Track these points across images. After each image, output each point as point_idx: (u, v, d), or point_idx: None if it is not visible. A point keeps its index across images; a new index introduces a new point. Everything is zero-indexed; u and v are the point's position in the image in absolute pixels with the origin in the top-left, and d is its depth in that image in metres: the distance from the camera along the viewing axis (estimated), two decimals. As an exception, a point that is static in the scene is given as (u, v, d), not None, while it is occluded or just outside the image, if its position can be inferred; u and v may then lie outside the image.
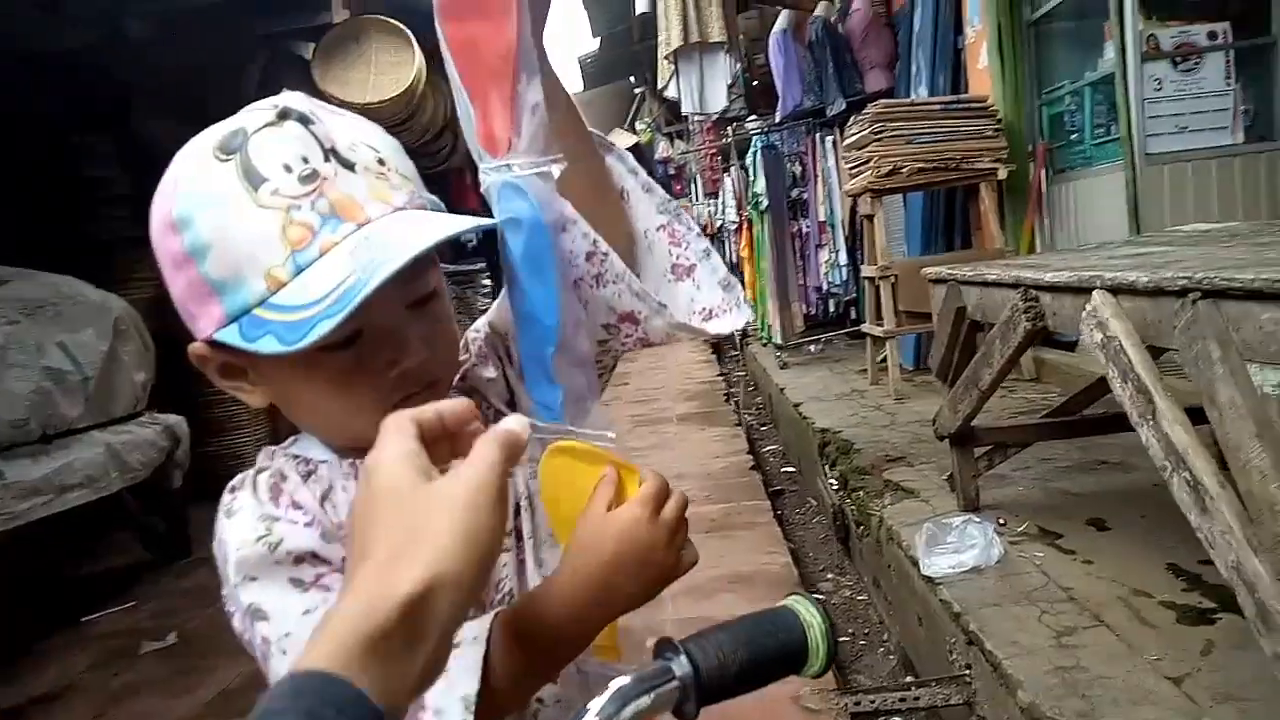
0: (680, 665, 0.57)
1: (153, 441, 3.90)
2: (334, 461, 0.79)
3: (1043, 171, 5.21)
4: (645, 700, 0.55)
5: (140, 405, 4.00)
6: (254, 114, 0.69)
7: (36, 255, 3.97)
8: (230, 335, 0.66)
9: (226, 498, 0.77)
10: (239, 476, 0.79)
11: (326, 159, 0.67)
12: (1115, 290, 1.93)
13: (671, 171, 14.05)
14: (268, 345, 0.64)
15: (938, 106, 5.29)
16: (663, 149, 14.03)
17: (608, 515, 0.66)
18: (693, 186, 12.63)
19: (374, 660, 0.44)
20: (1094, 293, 1.98)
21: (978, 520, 2.63)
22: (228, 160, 0.66)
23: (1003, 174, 5.10)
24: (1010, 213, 5.36)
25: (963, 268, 2.88)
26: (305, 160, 0.66)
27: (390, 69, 6.45)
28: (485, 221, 0.71)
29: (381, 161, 0.71)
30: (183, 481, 4.16)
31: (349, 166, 0.68)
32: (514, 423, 0.56)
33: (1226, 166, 4.32)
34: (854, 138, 5.45)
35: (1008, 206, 5.35)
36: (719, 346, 10.34)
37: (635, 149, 15.70)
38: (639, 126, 15.11)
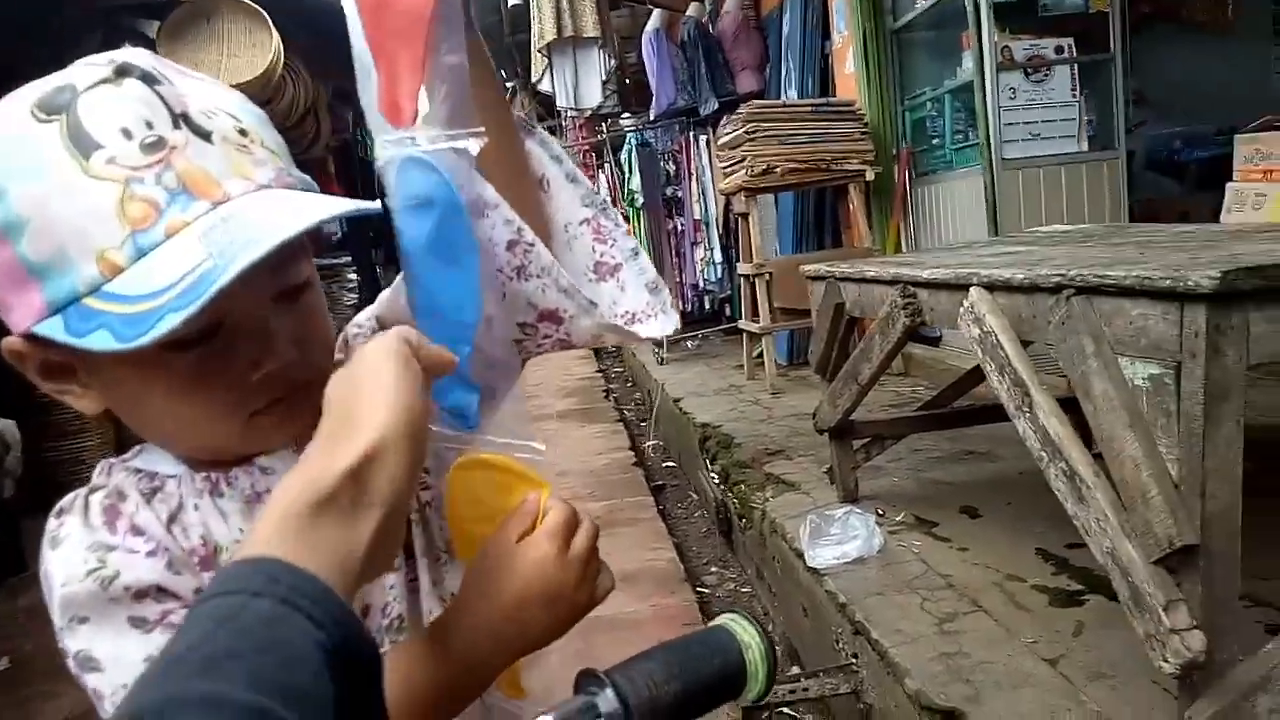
0: (606, 700, 0.51)
1: (-22, 448, 3.53)
2: (185, 475, 0.68)
3: (907, 174, 5.43)
4: None
5: (-38, 409, 3.61)
6: (85, 69, 0.58)
7: None
8: (53, 329, 0.55)
9: (52, 524, 0.65)
10: (68, 497, 0.68)
11: (176, 125, 0.57)
12: (991, 287, 2.00)
13: (544, 166, 13.93)
14: (100, 341, 0.53)
15: (808, 108, 5.42)
16: (535, 144, 13.87)
17: (516, 547, 0.60)
18: (566, 182, 12.56)
19: (322, 530, 0.45)
20: (971, 289, 2.04)
21: (859, 511, 2.69)
22: (50, 121, 0.55)
23: (870, 175, 5.28)
24: (877, 212, 5.55)
25: (841, 265, 2.93)
26: (149, 125, 0.56)
27: (245, 50, 6.08)
28: (368, 205, 0.61)
29: (243, 132, 0.61)
30: (15, 491, 3.79)
31: (203, 135, 0.58)
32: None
33: (1074, 172, 4.60)
34: (728, 137, 5.52)
35: (874, 206, 5.54)
36: (594, 343, 10.33)
37: (507, 143, 15.49)
38: (511, 120, 14.90)
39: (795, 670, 2.44)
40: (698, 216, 7.40)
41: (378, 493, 0.48)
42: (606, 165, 9.93)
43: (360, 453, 0.48)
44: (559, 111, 11.07)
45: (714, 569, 3.64)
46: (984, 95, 4.43)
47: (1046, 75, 4.64)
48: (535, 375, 7.84)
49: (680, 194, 7.67)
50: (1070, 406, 1.79)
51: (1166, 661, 1.43)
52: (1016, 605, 2.15)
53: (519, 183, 0.74)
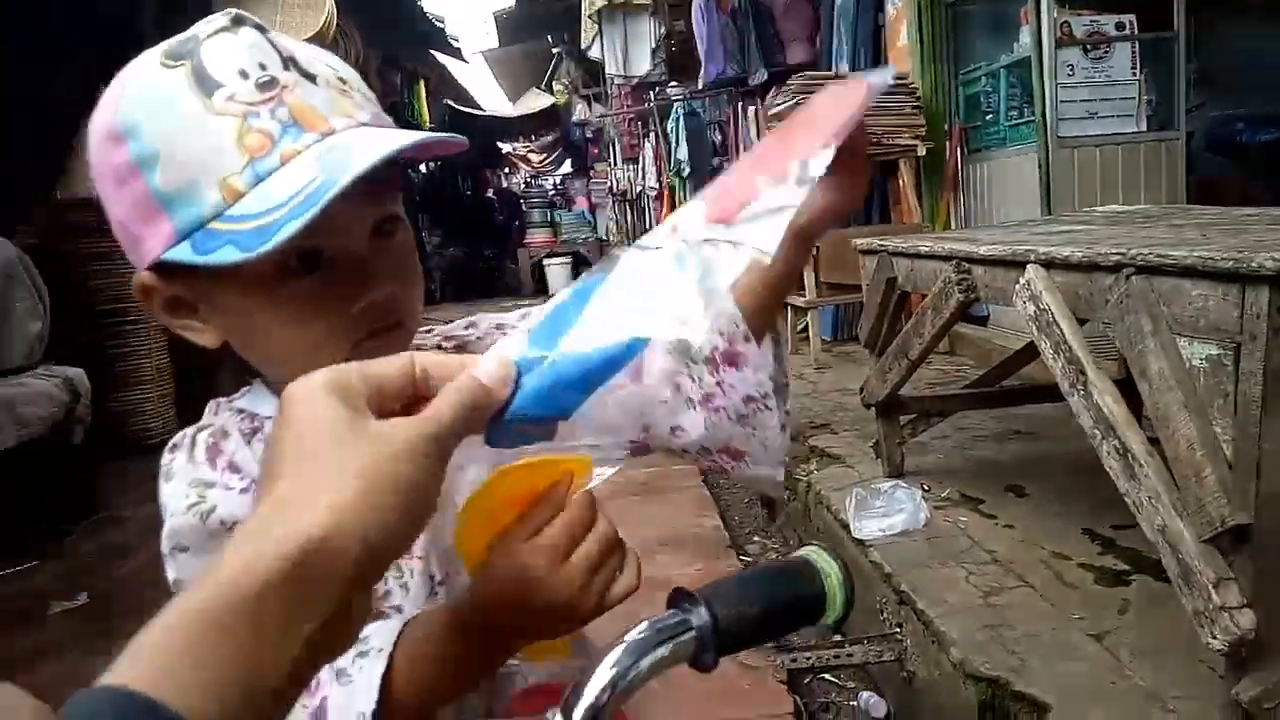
0: (699, 616, 0.56)
1: (51, 395, 3.67)
2: None
3: (959, 150, 5.37)
4: (663, 651, 0.54)
5: (35, 357, 3.76)
6: (206, 24, 0.64)
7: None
8: (182, 253, 0.61)
9: (165, 458, 0.72)
10: (180, 434, 0.74)
11: (285, 67, 0.63)
12: (1049, 264, 2.01)
13: (589, 135, 13.92)
14: (226, 255, 0.58)
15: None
16: (580, 111, 13.86)
17: (520, 547, 0.56)
18: (611, 151, 12.55)
19: (241, 631, 0.34)
20: (1028, 266, 2.05)
21: (905, 485, 2.72)
22: (177, 66, 0.61)
23: (921, 151, 5.23)
24: (927, 189, 5.51)
25: (894, 239, 2.94)
26: (263, 67, 0.62)
27: (298, 11, 6.17)
28: (457, 136, 0.67)
29: (342, 79, 0.67)
30: (85, 437, 3.95)
31: (310, 78, 0.64)
32: (493, 364, 0.47)
33: (1131, 152, 4.53)
34: (777, 109, 5.49)
35: (925, 183, 5.49)
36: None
37: (552, 110, 15.48)
38: (556, 88, 14.90)
39: (841, 638, 2.49)
40: (744, 189, 7.37)
41: (328, 587, 0.37)
42: (652, 134, 9.92)
43: (314, 528, 0.37)
44: (605, 78, 11.07)
45: (756, 539, 3.69)
46: (1041, 72, 4.37)
47: (1106, 52, 4.56)
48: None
49: (727, 165, 7.64)
50: (1123, 389, 1.81)
51: (1215, 638, 1.46)
52: (1063, 582, 2.17)
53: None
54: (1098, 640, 1.87)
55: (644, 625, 0.56)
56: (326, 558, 0.36)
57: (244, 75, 0.61)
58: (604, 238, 13.18)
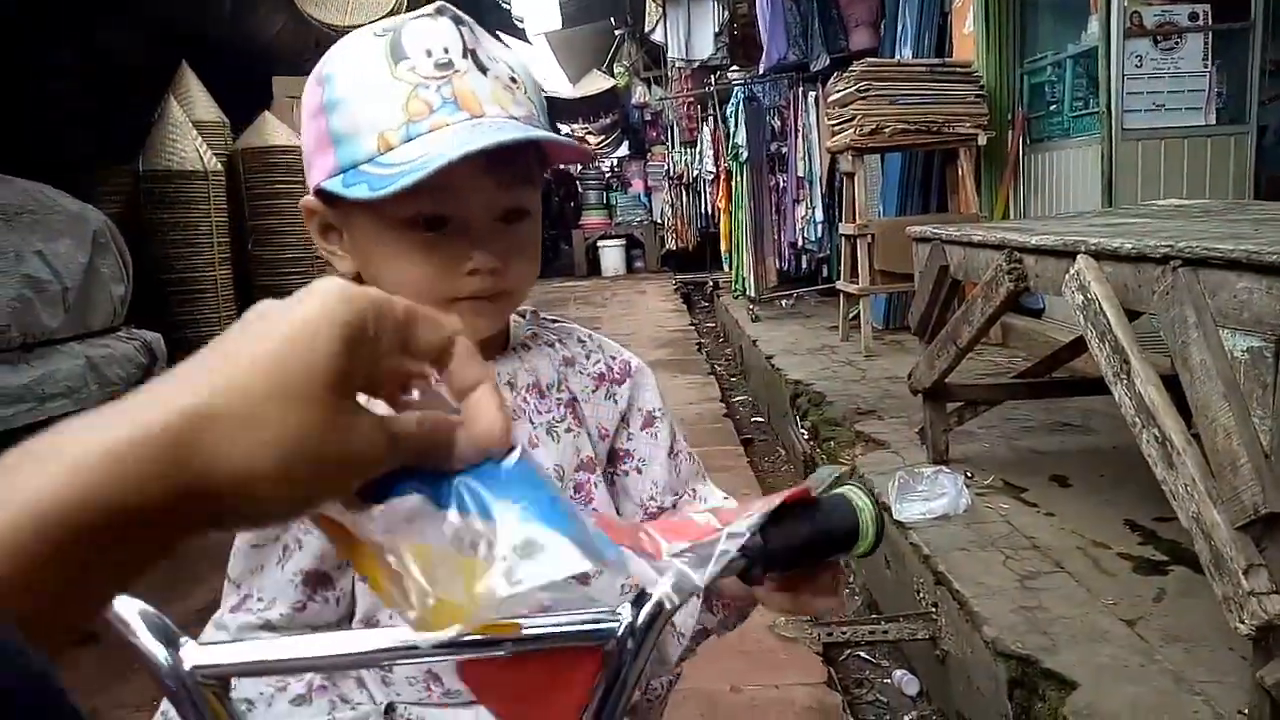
0: (751, 537, 0.64)
1: (131, 357, 3.87)
2: None
3: (1020, 140, 5.32)
4: (718, 565, 0.62)
5: (118, 320, 3.96)
6: (419, 11, 0.75)
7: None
8: (334, 184, 0.73)
9: None
10: None
11: (464, 56, 0.73)
12: (1099, 255, 2.03)
13: (648, 118, 13.94)
14: (359, 191, 0.71)
15: (924, 68, 5.34)
16: (640, 94, 13.89)
17: None
18: (669, 134, 12.57)
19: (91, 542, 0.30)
20: (1078, 257, 2.08)
21: (948, 471, 2.75)
22: (381, 37, 0.73)
23: (983, 140, 5.19)
24: (987, 179, 5.46)
25: (948, 228, 2.96)
26: (445, 51, 0.73)
27: (372, -14, 6.31)
28: (585, 148, 0.77)
29: (514, 80, 0.76)
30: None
31: (482, 69, 0.74)
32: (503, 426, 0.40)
33: (1198, 146, 4.45)
34: (839, 94, 5.49)
35: (984, 172, 5.45)
36: (689, 297, 10.41)
37: (611, 92, 15.52)
38: (617, 70, 14.93)
39: (878, 615, 2.55)
40: (801, 174, 7.37)
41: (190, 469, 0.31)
42: (711, 118, 9.93)
43: (164, 417, 0.31)
44: (666, 61, 11.09)
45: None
46: (1108, 62, 4.31)
47: (1177, 43, 4.47)
48: (628, 325, 8.01)
49: (784, 150, 7.64)
50: (1169, 384, 1.83)
51: (1243, 623, 1.49)
52: (1099, 569, 2.20)
53: None
54: (1129, 625, 1.91)
55: (705, 542, 0.63)
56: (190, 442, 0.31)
57: (428, 54, 0.72)
58: (658, 220, 13.23)
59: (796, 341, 5.84)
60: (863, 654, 2.58)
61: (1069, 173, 4.96)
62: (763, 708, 2.10)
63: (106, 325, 3.89)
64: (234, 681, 0.52)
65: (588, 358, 0.92)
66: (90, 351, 3.68)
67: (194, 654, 0.55)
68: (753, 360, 6.00)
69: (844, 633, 2.29)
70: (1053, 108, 5.18)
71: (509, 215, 0.78)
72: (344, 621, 0.82)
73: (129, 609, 0.57)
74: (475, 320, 0.79)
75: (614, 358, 0.94)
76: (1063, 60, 5.00)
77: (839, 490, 0.68)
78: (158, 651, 0.55)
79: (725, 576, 0.63)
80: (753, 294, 7.26)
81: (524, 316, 0.94)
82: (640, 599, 0.58)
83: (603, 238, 13.40)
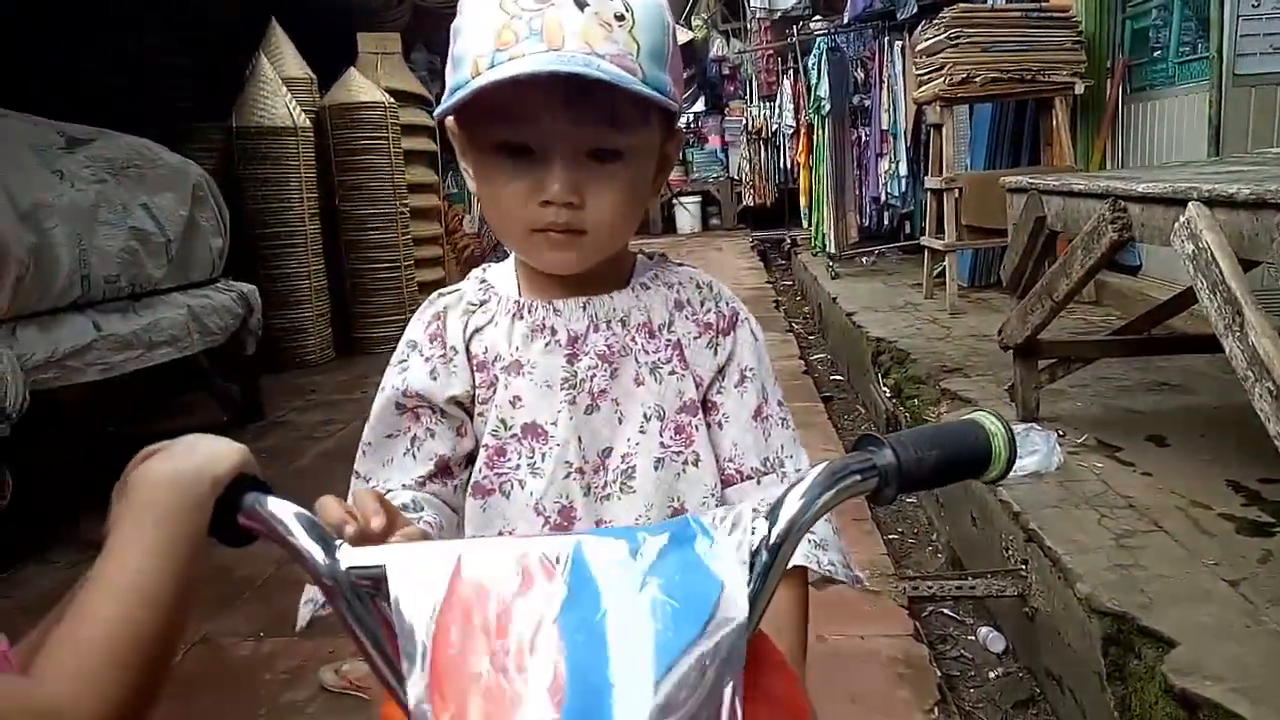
0: (883, 456, 0.64)
1: (229, 307, 4.03)
2: (507, 298, 0.89)
3: (1120, 89, 5.08)
4: (854, 479, 0.63)
5: (217, 272, 4.12)
6: None
7: (101, 123, 4.01)
8: (441, 102, 0.78)
9: (425, 302, 0.92)
10: (449, 287, 0.93)
11: None
12: (1212, 202, 1.94)
13: (726, 72, 13.73)
14: (438, 107, 0.78)
15: (1018, 14, 5.14)
16: (718, 47, 13.68)
17: None
18: (748, 88, 12.36)
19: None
20: (1189, 204, 1.99)
21: (1040, 428, 2.69)
22: None
23: (1079, 89, 4.98)
24: (1083, 130, 5.25)
25: (1045, 177, 2.86)
26: None
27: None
28: (666, 100, 0.76)
29: (620, 18, 0.75)
30: (255, 349, 4.32)
31: (580, 6, 0.74)
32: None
33: (1319, 92, 4.19)
34: (927, 43, 5.32)
35: (1080, 123, 5.23)
36: (766, 255, 10.30)
37: (689, 46, 15.31)
38: (695, 23, 14.71)
39: (965, 571, 2.52)
40: (885, 127, 7.19)
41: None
42: (791, 71, 9.73)
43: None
44: (746, 13, 10.88)
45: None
46: (1222, 3, 4.07)
47: (1298, -19, 4.19)
48: (708, 281, 7.97)
49: (868, 103, 7.45)
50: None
51: (1361, 584, 1.43)
52: (1200, 530, 2.13)
53: None
54: (1233, 585, 1.85)
55: (838, 460, 0.64)
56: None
57: None
58: (735, 177, 13.07)
59: (878, 299, 5.74)
60: (946, 610, 2.56)
61: (1172, 123, 4.72)
62: (846, 658, 2.11)
63: (206, 276, 4.05)
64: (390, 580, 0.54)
65: (701, 304, 0.93)
66: (192, 301, 3.84)
67: (350, 555, 0.58)
68: (832, 318, 5.92)
69: (929, 587, 2.28)
70: (1156, 54, 4.92)
71: (599, 154, 0.78)
72: (460, 503, 0.88)
73: (285, 511, 0.61)
74: (553, 254, 0.82)
75: (727, 305, 0.94)
76: (1170, 3, 4.74)
77: (971, 416, 0.68)
78: (315, 551, 0.58)
79: (857, 495, 0.64)
80: (832, 251, 7.15)
81: (651, 258, 0.97)
82: (774, 513, 0.59)
83: (678, 195, 13.32)
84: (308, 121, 5.71)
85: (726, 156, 13.57)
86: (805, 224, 8.71)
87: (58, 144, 3.42)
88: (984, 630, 2.41)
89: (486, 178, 0.81)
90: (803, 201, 8.65)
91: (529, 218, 0.79)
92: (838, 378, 5.28)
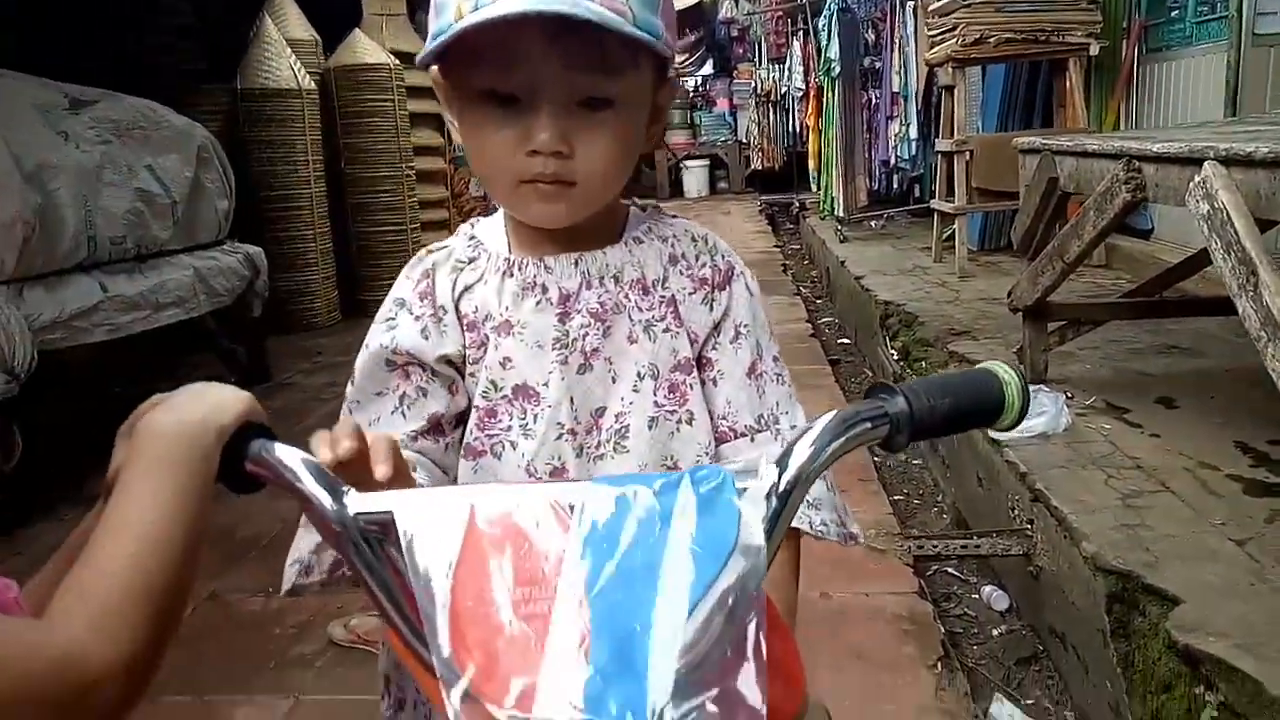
0: (895, 404, 0.63)
1: (235, 269, 4.03)
2: (496, 254, 0.87)
3: (1136, 49, 5.00)
4: (865, 426, 0.62)
5: (222, 233, 4.11)
6: None
7: (107, 84, 3.99)
8: (424, 48, 0.76)
9: (414, 259, 0.89)
10: (438, 243, 0.89)
11: None
12: (1229, 161, 1.92)
13: (734, 34, 13.56)
14: (420, 55, 0.77)
15: (1034, -28, 5.03)
16: (726, 9, 13.50)
17: None
18: (757, 50, 12.21)
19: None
20: (1205, 163, 1.96)
21: (1048, 390, 2.68)
22: None
23: (1094, 50, 4.90)
24: (1097, 91, 5.17)
25: (1058, 138, 2.83)
26: None
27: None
28: (655, 42, 0.72)
29: None
30: (261, 311, 4.32)
31: None
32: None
33: (1340, 52, 4.11)
34: (940, 3, 5.23)
35: (1095, 85, 5.16)
36: (774, 219, 10.24)
37: (697, 8, 15.10)
38: (703, -16, 14.49)
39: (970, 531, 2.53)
40: (896, 89, 7.10)
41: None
42: (801, 32, 9.60)
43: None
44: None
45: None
46: (1242, -39, 3.99)
47: (1322, -63, 4.10)
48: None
49: (879, 65, 7.35)
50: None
51: (1369, 542, 1.43)
52: (1207, 490, 2.13)
53: None
54: (1239, 545, 1.85)
55: (849, 407, 0.64)
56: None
57: None
58: (743, 140, 12.95)
59: (887, 262, 5.70)
60: (951, 570, 2.57)
61: (1188, 84, 4.65)
62: (852, 614, 2.13)
63: (212, 238, 4.04)
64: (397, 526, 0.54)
65: (696, 258, 0.90)
66: (198, 263, 3.84)
67: (358, 501, 0.57)
68: (840, 281, 5.89)
69: (935, 546, 2.29)
70: (1174, 13, 4.84)
71: (590, 102, 0.75)
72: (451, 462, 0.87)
73: (292, 457, 0.61)
74: (541, 206, 0.79)
75: (723, 259, 0.92)
76: (1189, -40, 4.65)
77: (984, 365, 0.67)
78: (323, 497, 0.58)
79: (868, 443, 0.63)
80: (841, 214, 7.10)
81: (644, 209, 0.94)
82: (784, 460, 0.59)
83: (686, 158, 13.22)
84: (312, 84, 5.66)
85: (735, 119, 13.44)
86: (814, 187, 8.64)
87: (62, 105, 3.40)
88: (988, 589, 2.43)
89: (472, 128, 0.78)
90: (811, 165, 8.57)
91: (517, 168, 0.77)
92: (845, 341, 5.27)
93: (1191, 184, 1.98)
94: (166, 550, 0.58)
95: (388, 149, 5.99)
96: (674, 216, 0.94)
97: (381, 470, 0.63)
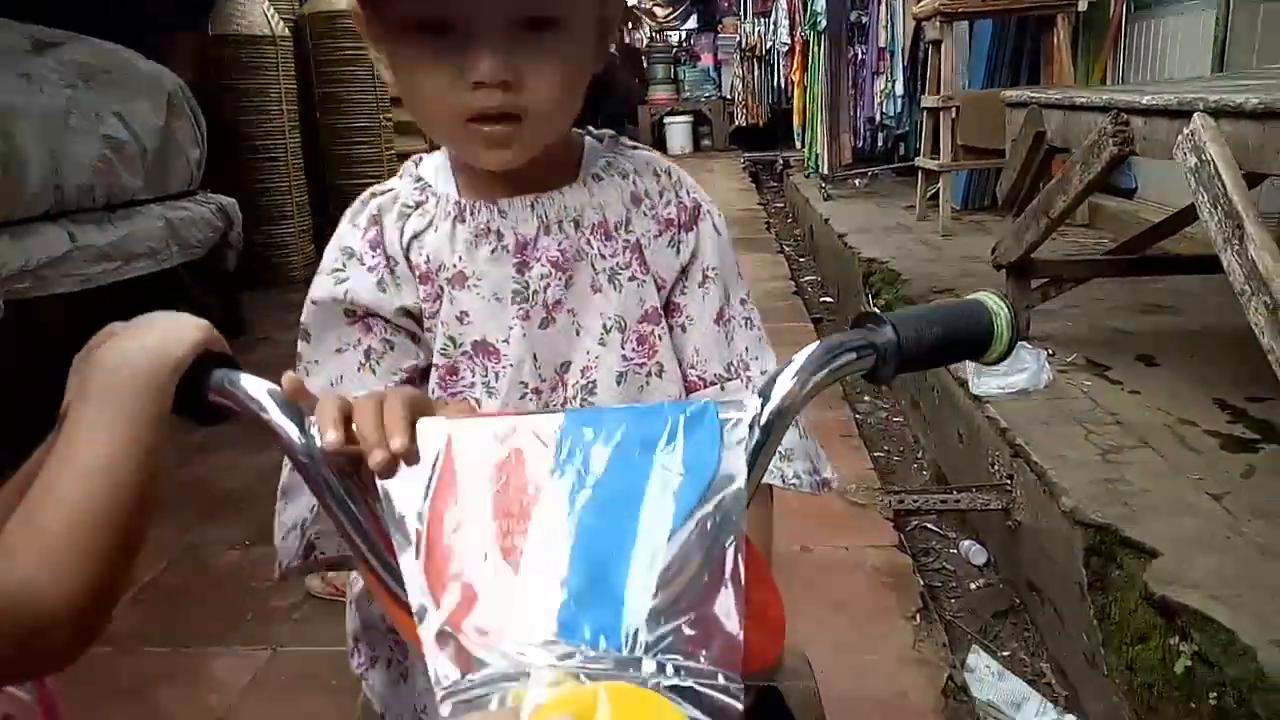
0: (882, 334, 0.61)
1: (208, 220, 3.94)
2: (445, 197, 0.80)
3: (1124, 5, 4.95)
4: (848, 358, 0.60)
5: (194, 184, 4.02)
6: None
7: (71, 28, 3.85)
8: None
9: (354, 203, 0.83)
10: (372, 190, 0.83)
11: None
12: (1218, 113, 1.89)
13: (720, -13, 13.35)
14: None
15: (1023, -75, 4.96)
16: (712, -38, 13.27)
17: None
18: (742, 4, 12.03)
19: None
20: (1194, 115, 1.94)
21: (1029, 346, 2.68)
22: None
23: (1083, 5, 4.84)
24: (1084, 49, 5.13)
25: (1047, 91, 2.80)
26: None
27: None
28: None
29: None
30: (236, 264, 4.24)
31: None
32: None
33: (1328, 9, 4.08)
34: (930, -45, 5.15)
35: (1082, 42, 5.11)
36: (758, 176, 10.17)
37: (682, -39, 14.85)
38: (688, -65, 14.23)
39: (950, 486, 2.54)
40: (882, 44, 7.01)
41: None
42: (787, -13, 9.45)
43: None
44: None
45: (866, 398, 3.72)
46: (1233, -87, 3.94)
47: (1313, -109, 4.05)
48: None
49: (865, 19, 7.26)
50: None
51: (1346, 495, 1.44)
52: (1186, 446, 2.14)
53: None
54: (1216, 499, 1.86)
55: (834, 337, 0.61)
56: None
57: None
58: (727, 96, 12.80)
59: (870, 221, 5.68)
60: (929, 525, 2.58)
61: (1176, 41, 4.61)
62: (833, 567, 2.14)
63: (184, 188, 3.95)
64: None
65: (660, 195, 0.84)
66: (169, 214, 3.75)
67: None
68: (823, 239, 5.87)
69: (915, 500, 2.29)
70: (1163, -31, 4.79)
71: (532, 23, 0.69)
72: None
73: (258, 388, 0.58)
74: (490, 153, 0.73)
75: (688, 195, 0.86)
76: (1179, -86, 4.58)
77: (974, 296, 0.65)
78: (289, 428, 0.56)
79: (853, 374, 0.61)
80: (825, 172, 7.05)
81: (601, 141, 0.87)
82: (766, 391, 0.57)
83: (669, 114, 13.06)
84: (286, 30, 5.51)
85: (719, 75, 13.27)
86: (798, 145, 8.57)
87: (24, 46, 3.29)
88: (966, 544, 2.44)
89: (404, 65, 0.71)
90: (796, 122, 8.49)
91: (458, 105, 0.69)
92: (827, 299, 5.26)
93: (1180, 137, 1.96)
94: (120, 484, 0.56)
95: (365, 99, 5.86)
96: (634, 147, 0.88)
97: (330, 437, 0.54)
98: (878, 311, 0.62)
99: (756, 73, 11.38)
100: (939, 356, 0.63)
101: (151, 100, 3.74)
